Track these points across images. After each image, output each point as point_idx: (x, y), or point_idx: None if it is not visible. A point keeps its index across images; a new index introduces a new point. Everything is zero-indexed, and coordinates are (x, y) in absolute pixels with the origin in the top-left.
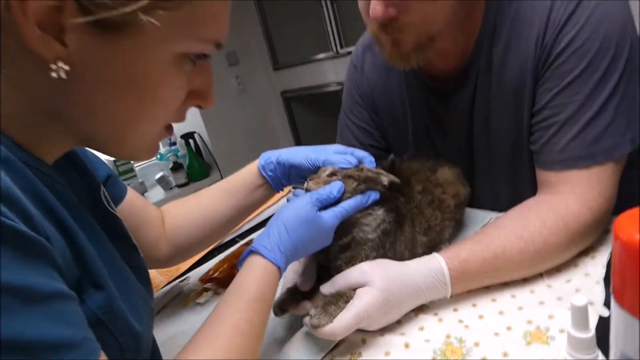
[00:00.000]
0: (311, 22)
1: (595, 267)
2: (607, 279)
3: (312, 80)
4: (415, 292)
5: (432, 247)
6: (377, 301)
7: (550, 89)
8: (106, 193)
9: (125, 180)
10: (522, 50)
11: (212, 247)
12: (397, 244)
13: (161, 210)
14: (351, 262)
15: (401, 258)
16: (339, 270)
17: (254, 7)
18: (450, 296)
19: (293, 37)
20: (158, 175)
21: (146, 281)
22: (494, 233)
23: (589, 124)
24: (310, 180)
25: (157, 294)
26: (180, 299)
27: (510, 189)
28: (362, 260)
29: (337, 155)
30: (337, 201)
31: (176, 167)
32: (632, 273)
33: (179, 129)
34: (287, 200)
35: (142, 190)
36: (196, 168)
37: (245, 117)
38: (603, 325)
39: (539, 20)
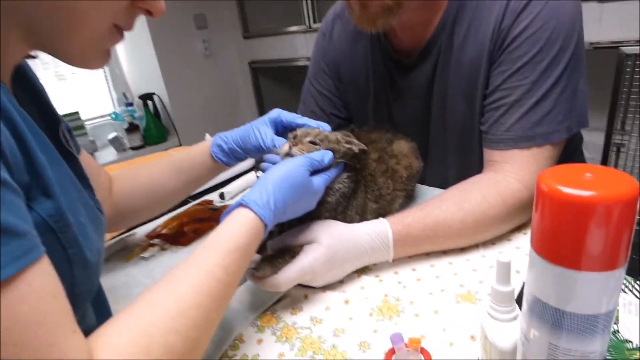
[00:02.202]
0: None
1: (525, 242)
2: None
3: (282, 53)
4: (359, 252)
5: (381, 215)
6: (321, 257)
7: (503, 72)
8: (66, 134)
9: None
10: (481, 33)
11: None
12: (349, 209)
13: (111, 175)
14: (303, 221)
15: (351, 222)
16: (291, 227)
17: None
18: (393, 260)
19: (266, 6)
20: (111, 136)
21: (99, 222)
22: (437, 203)
23: (532, 108)
24: (294, 145)
25: None
26: (124, 253)
27: (458, 171)
28: (312, 220)
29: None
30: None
31: (132, 129)
32: (549, 220)
33: (137, 88)
34: (257, 173)
35: (92, 149)
36: (153, 131)
37: (210, 84)
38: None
39: (499, 6)
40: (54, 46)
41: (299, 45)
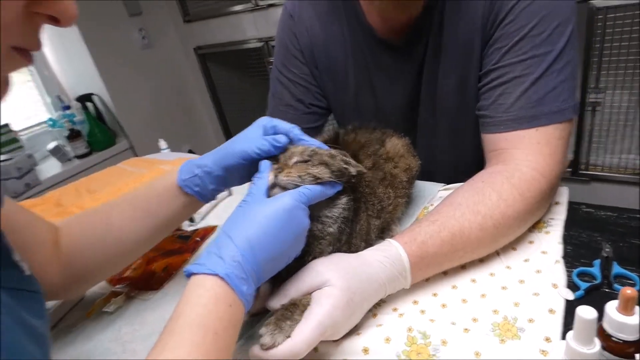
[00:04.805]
0: None
1: (550, 243)
2: (566, 257)
3: (230, 36)
4: (376, 286)
5: (383, 229)
6: (340, 303)
7: (499, 49)
8: None
9: (8, 152)
10: (472, 8)
11: None
12: (353, 236)
13: (57, 226)
14: (301, 262)
15: (356, 250)
16: (290, 274)
17: None
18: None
19: None
20: (51, 146)
21: (39, 309)
22: (449, 211)
23: (533, 84)
24: (278, 171)
25: (50, 303)
26: (83, 308)
27: (448, 160)
28: (314, 258)
29: (267, 138)
30: None
31: (73, 136)
32: None
33: (73, 90)
34: None
35: (31, 164)
36: (98, 135)
37: (154, 76)
38: (569, 308)
39: None
40: None
41: (247, 26)
